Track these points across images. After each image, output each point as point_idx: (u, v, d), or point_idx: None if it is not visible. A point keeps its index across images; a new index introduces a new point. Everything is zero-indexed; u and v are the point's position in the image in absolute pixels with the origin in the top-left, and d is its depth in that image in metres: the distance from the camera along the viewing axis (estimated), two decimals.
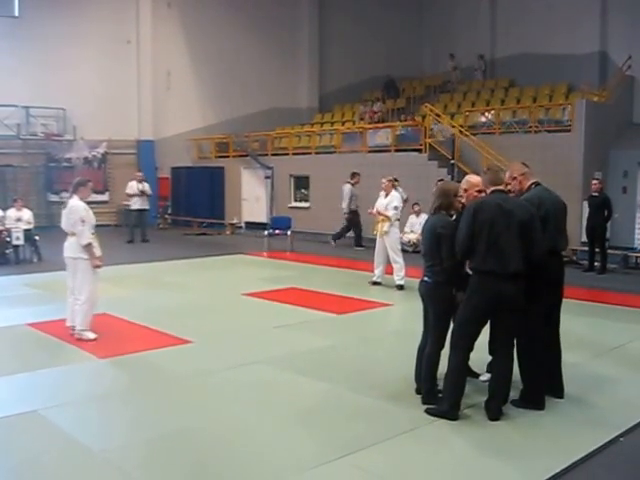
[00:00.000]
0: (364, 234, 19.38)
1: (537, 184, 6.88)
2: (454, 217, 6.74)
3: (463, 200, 6.75)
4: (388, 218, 13.06)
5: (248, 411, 6.60)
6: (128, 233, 21.56)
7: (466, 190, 6.75)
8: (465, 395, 6.45)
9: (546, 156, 17.25)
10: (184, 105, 28.06)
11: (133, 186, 21.57)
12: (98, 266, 9.24)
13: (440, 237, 6.48)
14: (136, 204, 21.47)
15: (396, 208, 13.16)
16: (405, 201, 18.83)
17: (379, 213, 13.22)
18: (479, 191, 6.69)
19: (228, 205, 26.73)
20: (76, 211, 9.10)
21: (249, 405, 6.78)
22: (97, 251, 9.22)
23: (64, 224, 9.25)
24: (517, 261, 6.12)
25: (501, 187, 6.44)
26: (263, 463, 5.47)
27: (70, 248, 9.16)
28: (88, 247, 9.07)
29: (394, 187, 13.81)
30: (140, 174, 22.06)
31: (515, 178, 6.84)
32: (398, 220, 13.38)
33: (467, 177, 7.13)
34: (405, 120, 23.85)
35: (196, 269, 16.14)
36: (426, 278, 6.69)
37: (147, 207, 21.77)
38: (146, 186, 21.67)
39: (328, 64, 31.68)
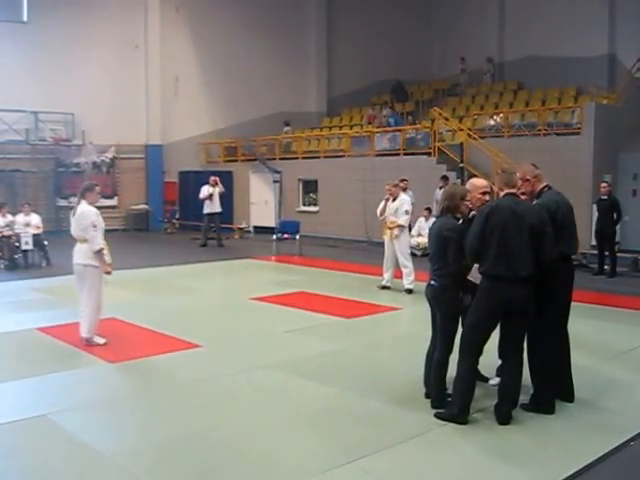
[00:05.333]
0: (375, 238, 19.35)
1: (549, 187, 6.85)
2: (461, 220, 6.72)
3: (470, 204, 6.73)
4: (400, 225, 13.01)
5: (256, 415, 6.59)
6: (201, 237, 21.74)
7: (470, 192, 6.73)
8: (474, 399, 6.43)
9: (555, 159, 17.19)
10: (192, 109, 28.13)
11: (204, 190, 21.56)
12: (109, 272, 9.19)
13: (446, 240, 6.45)
14: (208, 208, 21.51)
15: (407, 212, 13.10)
16: (412, 204, 18.84)
17: (391, 224, 13.11)
18: (483, 193, 6.68)
19: (236, 209, 26.75)
20: (87, 216, 9.01)
21: (257, 409, 6.77)
22: (107, 257, 9.18)
23: (74, 230, 9.14)
24: (528, 266, 6.09)
25: (514, 190, 6.41)
26: (271, 468, 5.46)
27: (80, 254, 9.09)
28: (99, 253, 9.02)
29: (403, 189, 13.75)
30: (214, 177, 21.93)
31: (528, 180, 6.79)
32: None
33: (471, 180, 7.13)
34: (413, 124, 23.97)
35: (204, 273, 16.15)
36: (433, 282, 6.66)
37: (218, 210, 21.64)
38: (217, 189, 21.58)
39: (336, 68, 31.73)
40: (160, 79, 27.58)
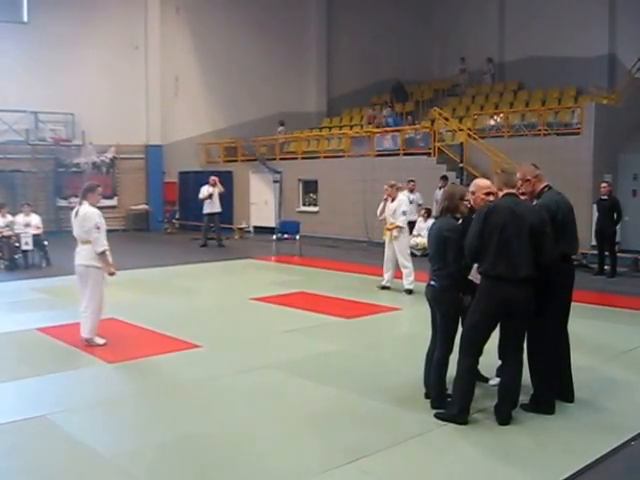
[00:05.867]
0: (375, 238, 19.35)
1: (549, 187, 6.85)
2: (460, 220, 6.71)
3: (469, 204, 6.72)
4: (398, 226, 13.01)
5: (256, 416, 6.58)
6: (201, 237, 21.76)
7: (474, 193, 6.72)
8: (474, 399, 6.42)
9: (555, 159, 17.18)
10: (192, 110, 28.14)
11: (204, 190, 21.59)
12: (112, 273, 9.15)
13: (446, 240, 6.44)
14: (208, 208, 21.53)
15: (404, 213, 13.10)
16: (419, 205, 18.90)
17: (390, 225, 13.12)
18: (487, 194, 6.66)
19: (236, 209, 26.73)
20: (90, 218, 8.95)
21: (257, 410, 6.76)
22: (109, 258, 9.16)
23: (76, 232, 9.09)
24: (527, 266, 6.08)
25: (514, 190, 6.40)
26: (271, 468, 5.46)
27: (82, 255, 9.04)
28: (103, 254, 8.99)
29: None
30: (213, 177, 21.94)
31: (528, 180, 6.78)
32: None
33: (475, 180, 7.11)
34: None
35: (204, 274, 16.15)
36: (432, 282, 6.65)
37: (217, 210, 21.65)
38: (217, 189, 21.60)
39: (336, 68, 31.75)
40: (160, 79, 27.58)
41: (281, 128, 27.87)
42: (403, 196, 13.45)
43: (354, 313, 11.33)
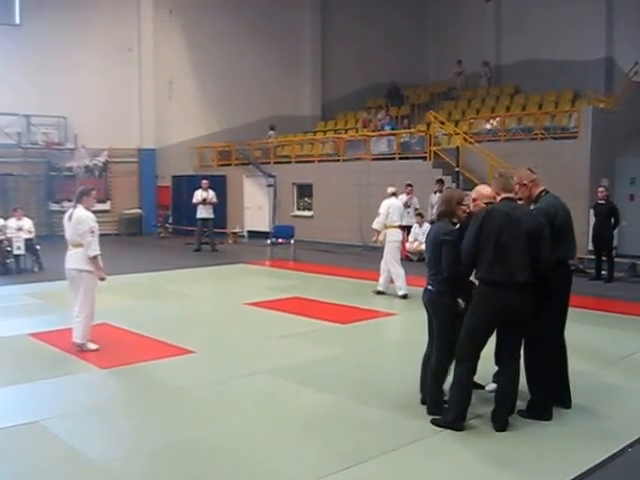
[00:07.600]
0: (370, 243, 19.28)
1: (546, 192, 6.80)
2: (458, 225, 6.64)
3: (467, 209, 6.65)
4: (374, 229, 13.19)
5: (251, 422, 6.52)
6: (195, 242, 21.61)
7: (475, 200, 6.65)
8: (471, 405, 6.37)
9: (552, 163, 17.16)
10: (186, 113, 28.07)
11: (197, 195, 21.50)
12: (103, 279, 9.08)
13: (443, 245, 6.38)
14: (201, 213, 21.40)
15: (378, 214, 13.16)
16: (416, 209, 18.90)
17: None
18: (487, 203, 6.60)
19: (230, 214, 26.66)
20: (85, 221, 8.90)
21: (252, 416, 6.70)
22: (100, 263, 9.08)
23: (69, 235, 9.03)
24: (524, 271, 6.04)
25: (511, 194, 6.35)
26: (265, 474, 5.40)
27: (74, 260, 8.97)
28: (95, 259, 8.91)
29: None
30: (205, 182, 21.79)
31: (525, 185, 6.74)
32: (398, 228, 13.31)
33: (478, 187, 7.00)
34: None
35: (198, 278, 16.09)
36: (430, 286, 6.62)
37: (211, 216, 21.52)
38: (210, 194, 21.49)
39: (331, 71, 31.73)
40: (153, 82, 27.50)
41: (271, 132, 27.79)
42: (394, 200, 13.34)
43: (350, 318, 11.26)
